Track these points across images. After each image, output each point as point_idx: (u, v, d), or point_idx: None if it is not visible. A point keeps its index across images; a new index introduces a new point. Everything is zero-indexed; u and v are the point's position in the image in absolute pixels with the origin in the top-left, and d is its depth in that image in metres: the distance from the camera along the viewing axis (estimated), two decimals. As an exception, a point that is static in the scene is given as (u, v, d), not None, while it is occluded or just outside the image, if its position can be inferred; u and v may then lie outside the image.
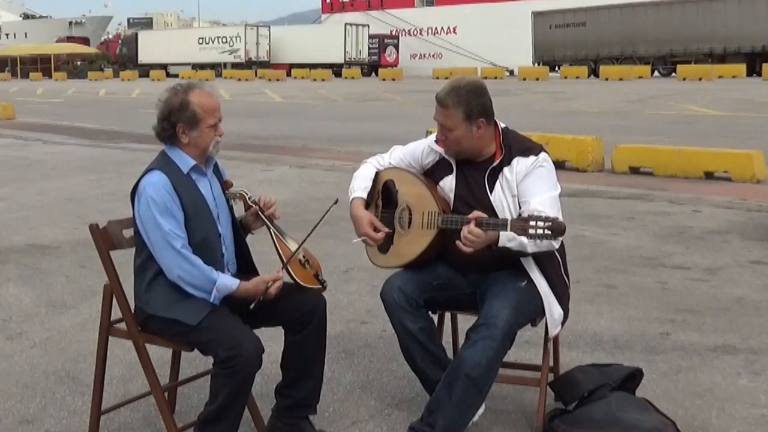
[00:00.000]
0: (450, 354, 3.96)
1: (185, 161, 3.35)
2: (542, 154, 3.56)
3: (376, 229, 3.69)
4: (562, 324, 3.64)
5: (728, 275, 6.30)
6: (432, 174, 3.75)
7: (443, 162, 3.71)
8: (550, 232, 3.17)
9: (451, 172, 3.67)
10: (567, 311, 3.63)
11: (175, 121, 3.31)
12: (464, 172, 3.64)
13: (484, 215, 3.35)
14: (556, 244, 3.46)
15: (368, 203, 3.77)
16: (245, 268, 3.54)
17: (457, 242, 3.36)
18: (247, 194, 3.54)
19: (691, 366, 4.46)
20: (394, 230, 3.72)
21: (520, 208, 3.48)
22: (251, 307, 3.28)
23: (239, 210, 3.60)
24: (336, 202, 3.56)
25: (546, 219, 3.18)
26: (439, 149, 3.70)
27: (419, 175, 3.75)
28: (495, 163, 3.56)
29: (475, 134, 3.53)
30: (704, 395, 4.08)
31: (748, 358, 4.57)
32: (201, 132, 3.32)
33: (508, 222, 3.27)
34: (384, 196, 3.79)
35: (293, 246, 3.47)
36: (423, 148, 3.79)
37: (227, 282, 3.28)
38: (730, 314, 5.34)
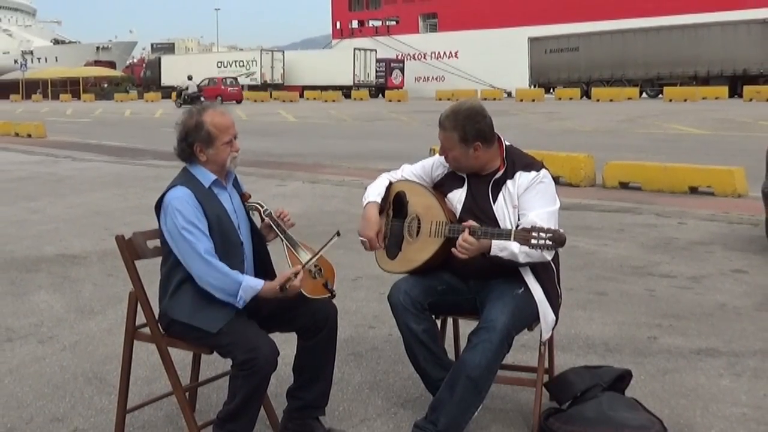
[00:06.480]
0: (451, 356, 3.97)
1: (206, 176, 3.37)
2: (543, 171, 3.59)
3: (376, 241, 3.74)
4: (552, 329, 3.65)
5: (711, 283, 6.29)
6: (442, 186, 3.77)
7: (453, 175, 3.73)
8: (552, 243, 3.20)
9: (461, 186, 3.68)
10: (557, 318, 3.66)
11: (192, 141, 3.34)
12: (471, 185, 3.67)
13: (477, 224, 3.38)
14: (548, 256, 3.48)
15: (381, 209, 3.80)
16: (264, 276, 3.51)
17: (453, 249, 3.39)
18: (262, 207, 3.53)
19: (676, 368, 4.46)
20: (404, 238, 3.74)
21: (519, 219, 3.50)
22: (279, 288, 3.21)
23: (258, 221, 3.61)
24: (338, 234, 3.45)
25: (548, 230, 3.21)
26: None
27: (429, 188, 3.77)
28: (498, 176, 3.59)
29: (472, 155, 3.56)
30: (689, 395, 4.07)
31: (729, 360, 4.57)
32: (217, 149, 3.35)
33: (512, 232, 3.30)
34: (395, 206, 3.81)
35: (304, 257, 3.42)
36: (433, 162, 3.83)
37: (252, 283, 3.25)
38: (713, 319, 5.33)
